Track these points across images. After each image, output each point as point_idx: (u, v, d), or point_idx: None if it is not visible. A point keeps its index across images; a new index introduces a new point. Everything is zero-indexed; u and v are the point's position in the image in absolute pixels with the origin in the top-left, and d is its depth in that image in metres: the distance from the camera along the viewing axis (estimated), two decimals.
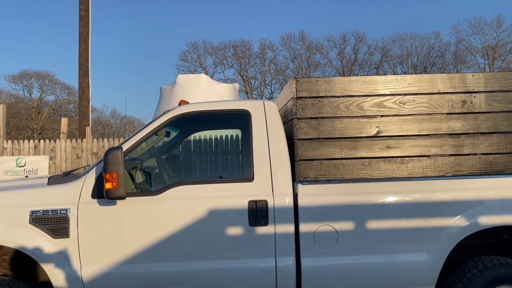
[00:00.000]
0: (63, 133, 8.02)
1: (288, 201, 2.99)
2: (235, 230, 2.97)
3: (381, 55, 48.86)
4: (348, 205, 2.98)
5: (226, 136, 4.13)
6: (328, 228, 2.96)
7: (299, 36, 49.38)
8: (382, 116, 3.09)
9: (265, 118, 3.17)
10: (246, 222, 2.95)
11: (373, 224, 2.96)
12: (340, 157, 3.07)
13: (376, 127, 3.08)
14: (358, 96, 3.09)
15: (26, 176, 5.73)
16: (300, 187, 3.02)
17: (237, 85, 11.33)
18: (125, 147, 3.04)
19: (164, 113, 3.28)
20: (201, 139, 3.90)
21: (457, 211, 2.96)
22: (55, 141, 6.30)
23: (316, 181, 3.06)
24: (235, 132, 4.09)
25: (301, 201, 2.98)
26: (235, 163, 3.29)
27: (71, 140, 6.27)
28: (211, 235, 2.96)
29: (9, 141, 6.25)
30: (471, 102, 3.12)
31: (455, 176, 3.07)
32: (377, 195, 2.99)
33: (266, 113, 3.18)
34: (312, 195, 3.01)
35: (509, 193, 3.00)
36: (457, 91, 3.13)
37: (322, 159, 3.08)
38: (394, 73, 47.89)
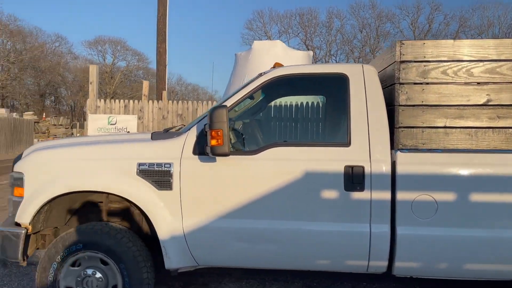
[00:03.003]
0: (144, 95, 8.40)
1: (386, 168, 2.93)
2: (330, 194, 2.98)
3: (458, 25, 45.56)
4: (451, 176, 2.87)
5: (319, 101, 4.09)
6: (427, 198, 2.88)
7: (369, 4, 47.26)
8: (494, 83, 2.89)
9: (364, 82, 3.09)
10: (341, 186, 2.95)
11: (477, 197, 2.83)
12: (443, 126, 2.94)
13: (487, 95, 2.90)
14: (468, 61, 2.91)
15: (128, 132, 6.13)
16: (400, 155, 2.95)
17: (311, 52, 11.16)
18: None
19: (260, 75, 3.30)
20: (293, 103, 3.88)
21: None
22: (142, 101, 6.66)
23: (416, 149, 2.97)
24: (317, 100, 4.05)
25: (400, 169, 2.91)
26: (330, 128, 3.27)
27: (158, 102, 6.58)
28: (306, 197, 2.99)
29: (102, 100, 6.67)
30: None
31: None
32: (483, 167, 2.84)
33: (364, 78, 3.10)
34: (412, 163, 2.92)
35: None
36: None
37: (424, 127, 2.97)
38: None
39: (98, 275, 3.13)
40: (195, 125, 3.18)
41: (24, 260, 3.19)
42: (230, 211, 3.05)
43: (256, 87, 3.19)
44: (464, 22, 44.60)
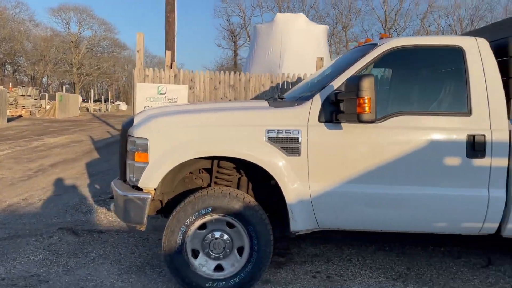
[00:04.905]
0: (167, 66, 8.22)
1: (505, 137, 3.13)
2: (452, 161, 3.15)
3: (427, 5, 46.73)
4: None
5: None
6: None
7: None
8: None
9: (480, 55, 3.24)
10: (464, 153, 3.12)
11: None
12: None
13: None
14: None
15: (230, 100, 6.00)
16: None
17: (327, 27, 11.23)
18: (338, 82, 3.19)
19: (375, 45, 3.38)
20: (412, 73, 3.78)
21: None
22: (193, 71, 6.52)
23: None
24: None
25: None
26: (449, 97, 3.39)
27: (209, 72, 6.46)
28: (429, 163, 3.14)
29: (150, 69, 6.45)
30: None
31: None
32: None
33: (480, 50, 3.25)
34: None
35: None
36: None
37: None
38: (438, 25, 46.09)
39: (226, 237, 3.19)
40: (318, 93, 3.23)
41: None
42: (356, 177, 3.16)
43: (376, 56, 3.26)
44: (433, 3, 45.77)
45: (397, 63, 3.40)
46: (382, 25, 46.97)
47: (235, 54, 52.18)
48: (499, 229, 3.25)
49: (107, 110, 42.57)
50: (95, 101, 45.21)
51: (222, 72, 6.41)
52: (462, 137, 3.13)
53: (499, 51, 3.31)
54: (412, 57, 3.39)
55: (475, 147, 3.11)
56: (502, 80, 3.23)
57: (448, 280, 3.65)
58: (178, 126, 3.17)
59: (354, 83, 2.85)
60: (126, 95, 71.14)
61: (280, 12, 48.51)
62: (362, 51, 3.47)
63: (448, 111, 3.28)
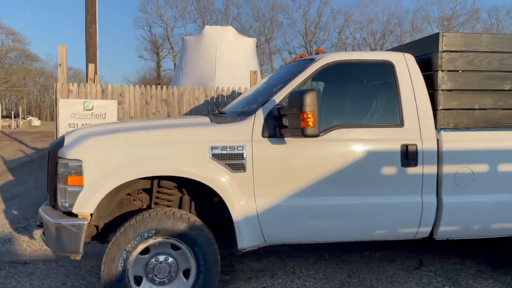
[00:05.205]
0: (90, 79, 7.76)
1: (434, 145, 3.35)
2: (389, 170, 3.30)
3: (344, 19, 49.53)
4: (484, 150, 3.41)
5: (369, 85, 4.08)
6: (466, 170, 3.37)
7: None
8: None
9: (408, 69, 3.45)
10: (398, 163, 3.28)
11: (505, 167, 3.41)
12: (478, 108, 3.47)
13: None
14: (501, 52, 3.46)
15: (168, 116, 5.55)
16: (443, 134, 3.38)
17: (255, 39, 11.35)
18: (279, 97, 3.22)
19: (312, 60, 3.46)
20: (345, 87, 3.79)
21: None
22: (122, 86, 6.09)
23: (456, 128, 3.45)
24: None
25: (446, 146, 3.35)
26: (381, 110, 3.53)
27: (140, 86, 6.08)
28: (368, 173, 3.26)
29: (75, 84, 5.94)
30: None
31: None
32: (509, 142, 3.43)
33: (407, 65, 3.46)
34: (454, 141, 3.39)
35: None
36: None
37: (461, 109, 3.45)
38: (354, 39, 49.09)
39: (170, 260, 3.04)
40: (261, 109, 3.21)
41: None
42: (300, 190, 3.18)
43: (312, 73, 3.33)
44: (348, 17, 48.63)
45: (333, 77, 3.50)
46: (303, 37, 48.91)
47: (158, 66, 51.05)
48: (432, 232, 3.45)
49: (18, 126, 39.27)
50: (3, 117, 41.43)
51: (153, 86, 6.17)
52: (397, 147, 3.29)
53: (424, 65, 3.55)
54: (347, 71, 3.51)
55: (408, 156, 3.29)
56: (428, 93, 3.46)
57: (387, 284, 3.80)
58: (115, 145, 2.98)
59: (297, 98, 2.88)
60: (39, 109, 66.32)
61: (204, 23, 48.51)
62: (300, 66, 3.54)
63: (382, 123, 3.42)
